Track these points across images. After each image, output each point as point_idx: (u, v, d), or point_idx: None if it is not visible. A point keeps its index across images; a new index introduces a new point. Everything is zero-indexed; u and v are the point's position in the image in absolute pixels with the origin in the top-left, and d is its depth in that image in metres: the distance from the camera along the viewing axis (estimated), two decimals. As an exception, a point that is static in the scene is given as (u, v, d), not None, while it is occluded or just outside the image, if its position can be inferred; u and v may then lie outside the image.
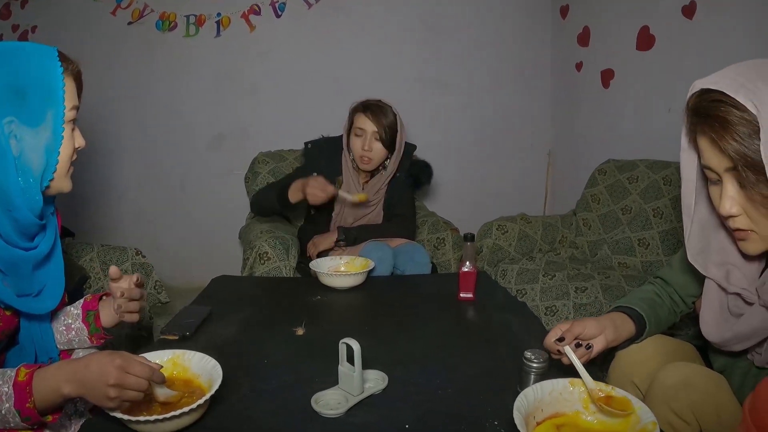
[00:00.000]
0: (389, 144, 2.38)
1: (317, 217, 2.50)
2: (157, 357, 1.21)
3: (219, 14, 3.49)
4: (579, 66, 3.44)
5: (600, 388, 1.09)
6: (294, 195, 2.30)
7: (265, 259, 2.29)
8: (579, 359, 1.16)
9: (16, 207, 1.10)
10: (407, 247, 2.29)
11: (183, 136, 3.64)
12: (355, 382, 1.18)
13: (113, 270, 1.29)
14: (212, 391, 1.09)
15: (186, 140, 3.65)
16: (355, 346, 1.15)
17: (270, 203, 2.41)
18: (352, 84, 3.41)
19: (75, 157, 1.22)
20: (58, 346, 1.39)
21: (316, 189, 2.21)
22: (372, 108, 2.37)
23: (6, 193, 1.08)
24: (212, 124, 3.64)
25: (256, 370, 1.33)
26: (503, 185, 3.81)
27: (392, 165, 2.45)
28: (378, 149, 2.37)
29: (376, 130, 2.34)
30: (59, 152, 1.14)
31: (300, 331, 1.55)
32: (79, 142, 1.22)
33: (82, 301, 1.43)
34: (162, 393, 1.13)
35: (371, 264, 1.99)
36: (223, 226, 3.61)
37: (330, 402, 1.17)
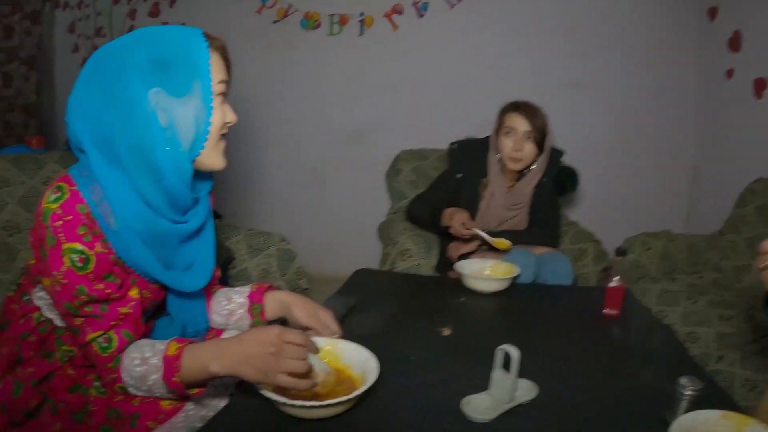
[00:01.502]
0: (539, 145, 2.34)
1: None
2: None
3: (362, 14, 3.57)
4: (729, 73, 3.18)
5: None
6: (446, 222, 2.29)
7: (407, 256, 2.31)
8: None
9: (165, 176, 1.11)
10: (551, 256, 2.23)
11: (323, 130, 3.76)
12: (507, 389, 1.16)
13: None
14: (368, 384, 1.10)
15: (326, 134, 3.77)
16: (514, 353, 1.14)
17: (426, 225, 2.46)
18: (492, 85, 3.36)
19: (225, 131, 1.22)
20: (212, 325, 1.44)
21: (459, 227, 2.20)
22: (523, 107, 2.34)
23: (154, 163, 1.10)
24: (352, 120, 3.73)
25: (403, 367, 1.33)
26: (642, 198, 3.64)
27: (540, 167, 2.39)
28: (528, 149, 2.32)
29: (529, 129, 2.30)
30: (209, 122, 1.15)
31: (446, 332, 1.54)
32: (230, 117, 1.22)
33: (247, 290, 1.46)
34: (320, 368, 1.15)
35: (517, 270, 1.96)
36: (359, 219, 3.67)
37: (479, 406, 1.15)
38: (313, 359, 1.12)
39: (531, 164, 2.39)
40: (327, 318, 1.39)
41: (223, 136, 1.23)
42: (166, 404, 1.16)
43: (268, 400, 1.07)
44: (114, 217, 1.11)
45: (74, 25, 4.01)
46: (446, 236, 2.36)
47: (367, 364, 1.18)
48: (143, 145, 1.09)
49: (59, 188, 1.08)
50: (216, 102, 1.16)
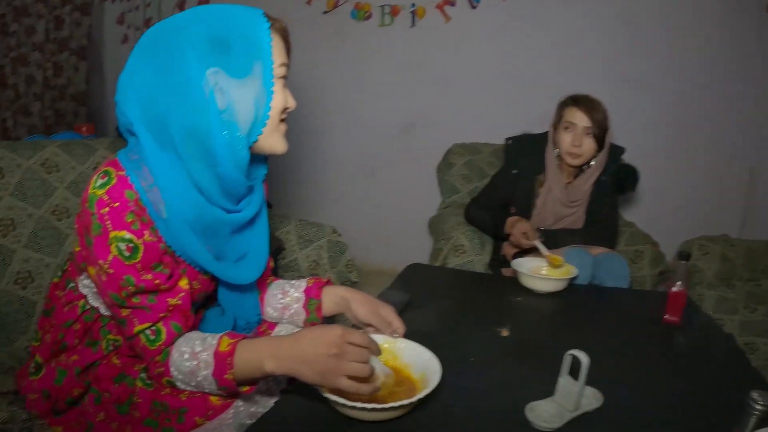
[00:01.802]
0: (599, 141, 2.25)
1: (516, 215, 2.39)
2: None
3: (413, 5, 3.50)
4: (789, 72, 3.06)
5: None
6: (508, 229, 2.25)
7: (461, 251, 2.26)
8: None
9: (220, 162, 1.06)
10: (608, 257, 2.15)
11: (374, 122, 3.71)
12: (574, 397, 1.09)
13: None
14: (431, 387, 1.04)
15: (377, 126, 3.72)
16: (584, 359, 1.07)
17: (486, 230, 2.43)
18: (547, 79, 3.29)
19: (285, 116, 1.18)
20: (265, 318, 1.39)
21: (520, 236, 2.15)
22: (583, 101, 2.25)
23: (210, 147, 1.05)
24: (403, 112, 3.67)
25: (462, 368, 1.28)
26: (697, 200, 3.48)
27: (599, 164, 2.31)
28: (588, 145, 2.23)
29: (589, 125, 2.21)
30: (270, 107, 1.10)
31: (505, 333, 1.48)
32: (291, 102, 1.17)
33: (303, 284, 1.39)
34: (380, 369, 1.10)
35: (575, 271, 1.89)
36: (408, 213, 3.63)
37: (543, 413, 1.09)
38: (372, 360, 1.07)
39: (590, 160, 2.31)
40: (389, 315, 1.31)
41: (283, 120, 1.18)
42: (215, 399, 1.12)
43: (321, 398, 1.02)
44: (164, 204, 1.06)
45: (123, 16, 4.04)
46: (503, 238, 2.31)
47: (427, 365, 1.13)
48: (198, 129, 1.04)
49: (106, 173, 1.04)
50: (277, 85, 1.11)
